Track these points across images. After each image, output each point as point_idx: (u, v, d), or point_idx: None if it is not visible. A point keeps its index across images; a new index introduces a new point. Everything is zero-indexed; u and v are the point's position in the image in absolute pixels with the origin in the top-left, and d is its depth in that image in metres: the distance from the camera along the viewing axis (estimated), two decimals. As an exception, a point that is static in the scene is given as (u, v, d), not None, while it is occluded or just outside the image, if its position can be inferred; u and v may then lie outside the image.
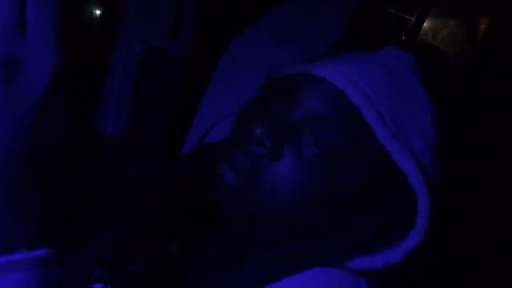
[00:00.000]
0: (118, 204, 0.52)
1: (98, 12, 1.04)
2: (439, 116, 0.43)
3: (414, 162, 0.40)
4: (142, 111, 0.89)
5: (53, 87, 0.26)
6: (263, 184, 0.41)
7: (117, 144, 0.87)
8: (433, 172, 0.42)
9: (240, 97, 0.53)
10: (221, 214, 0.42)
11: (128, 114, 0.89)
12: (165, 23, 0.82)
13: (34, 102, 0.26)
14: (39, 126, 0.26)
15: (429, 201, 0.40)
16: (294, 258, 0.39)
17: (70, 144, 0.28)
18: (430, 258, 0.44)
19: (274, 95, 0.45)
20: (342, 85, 0.41)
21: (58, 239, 0.28)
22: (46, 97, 0.26)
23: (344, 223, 0.41)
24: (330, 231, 0.41)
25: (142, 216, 0.49)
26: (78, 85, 0.29)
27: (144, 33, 0.83)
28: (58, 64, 0.26)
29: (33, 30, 0.26)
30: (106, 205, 0.53)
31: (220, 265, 0.40)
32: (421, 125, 0.42)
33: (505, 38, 1.34)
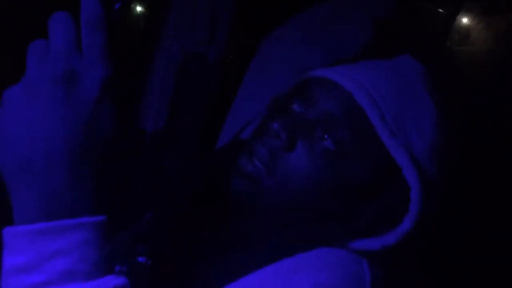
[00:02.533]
0: (158, 190, 0.59)
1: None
2: (441, 120, 0.48)
3: (407, 157, 0.45)
4: (180, 110, 0.95)
5: (103, 91, 0.33)
6: (278, 173, 0.46)
7: (157, 139, 0.95)
8: (428, 167, 0.47)
9: (271, 96, 0.59)
10: (240, 199, 0.47)
11: (167, 112, 0.95)
12: (201, 30, 0.88)
13: (88, 104, 0.33)
14: (93, 123, 0.33)
15: (421, 190, 0.45)
16: (303, 240, 0.45)
17: (118, 136, 0.35)
18: (423, 246, 0.48)
19: (294, 95, 0.50)
20: (351, 88, 0.46)
21: (111, 214, 0.35)
22: (98, 100, 0.33)
23: (348, 210, 0.46)
24: (336, 216, 0.46)
25: (177, 201, 0.56)
26: (124, 89, 0.36)
27: (183, 40, 0.90)
28: (107, 73, 0.34)
29: (86, 48, 0.33)
30: (149, 191, 0.60)
31: (239, 245, 0.46)
32: (421, 126, 0.47)
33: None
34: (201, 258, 0.48)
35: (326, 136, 0.46)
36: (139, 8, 1.21)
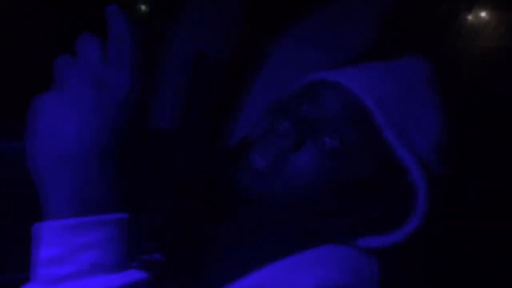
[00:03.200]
0: (168, 188, 0.61)
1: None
2: (444, 120, 0.49)
3: (414, 158, 0.46)
4: (191, 109, 0.97)
5: (128, 96, 0.37)
6: (285, 170, 0.48)
7: (167, 138, 0.96)
8: (433, 166, 0.48)
9: (278, 95, 0.60)
10: (248, 194, 0.49)
11: (180, 110, 0.97)
12: (212, 31, 0.90)
13: (116, 105, 0.37)
14: (120, 123, 0.37)
15: (428, 190, 0.46)
16: (310, 234, 0.46)
17: (140, 135, 0.39)
18: (430, 244, 0.50)
19: (301, 96, 0.52)
20: (357, 91, 0.48)
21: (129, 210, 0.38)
22: (124, 103, 0.37)
23: (354, 207, 0.48)
24: (341, 212, 0.48)
25: (187, 197, 0.58)
26: (144, 93, 0.39)
27: (194, 41, 0.92)
28: (131, 80, 0.38)
29: (113, 60, 0.38)
30: (158, 189, 0.62)
31: (246, 239, 0.48)
32: (426, 127, 0.48)
33: None
34: (209, 254, 0.50)
35: (332, 137, 0.47)
36: (142, 7, 1.23)
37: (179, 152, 0.93)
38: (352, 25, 0.84)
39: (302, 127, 0.48)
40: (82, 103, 0.36)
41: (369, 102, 0.47)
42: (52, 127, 0.36)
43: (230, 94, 0.98)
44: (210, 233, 0.52)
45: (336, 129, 0.47)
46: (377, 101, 0.47)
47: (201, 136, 0.98)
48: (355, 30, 0.84)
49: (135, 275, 0.35)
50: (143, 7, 1.22)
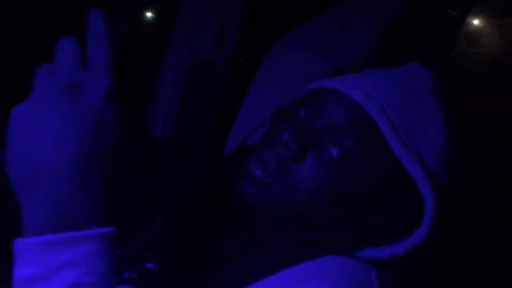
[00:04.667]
0: (167, 195, 0.59)
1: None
2: (450, 128, 0.48)
3: (422, 169, 0.45)
4: (188, 115, 0.96)
5: (107, 100, 0.35)
6: (286, 181, 0.46)
7: (166, 144, 0.96)
8: (441, 178, 0.46)
9: (278, 103, 0.59)
10: (249, 205, 0.48)
11: (176, 117, 0.96)
12: (210, 37, 0.89)
13: (93, 112, 0.35)
14: (98, 130, 0.35)
15: (435, 204, 0.44)
16: (311, 245, 0.45)
17: (125, 141, 0.37)
18: (433, 255, 0.48)
19: (302, 105, 0.51)
20: (360, 99, 0.46)
21: (120, 221, 0.36)
22: (102, 108, 0.35)
23: (358, 218, 0.46)
24: (344, 223, 0.46)
25: (186, 206, 0.56)
26: (127, 95, 0.38)
27: (192, 46, 0.91)
28: (110, 83, 0.36)
29: (91, 62, 0.36)
30: (158, 196, 0.61)
31: (247, 250, 0.46)
32: (432, 136, 0.47)
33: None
34: (209, 264, 0.49)
35: (335, 146, 0.46)
36: (149, 14, 1.23)
37: (176, 159, 0.92)
38: (355, 31, 0.83)
39: (303, 136, 0.47)
40: (56, 111, 0.34)
41: (374, 111, 0.45)
42: (25, 138, 0.34)
43: (229, 101, 0.97)
44: (209, 243, 0.51)
45: (339, 139, 0.46)
46: (382, 110, 0.46)
47: (199, 142, 0.97)
48: (357, 36, 0.83)
49: None
50: (149, 14, 1.21)
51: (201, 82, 0.95)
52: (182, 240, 0.54)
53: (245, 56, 1.06)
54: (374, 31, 0.85)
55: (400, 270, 0.47)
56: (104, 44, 0.36)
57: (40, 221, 0.33)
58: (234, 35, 0.90)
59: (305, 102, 0.51)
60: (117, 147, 0.36)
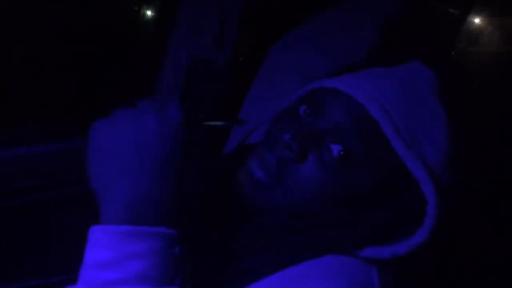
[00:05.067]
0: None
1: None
2: (452, 128, 0.47)
3: (425, 170, 0.44)
4: (190, 114, 0.96)
5: (182, 120, 0.44)
6: (287, 181, 0.46)
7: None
8: (443, 179, 0.46)
9: (279, 103, 0.59)
10: (250, 204, 0.48)
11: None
12: (209, 36, 0.89)
13: (172, 126, 0.42)
14: (175, 143, 0.42)
15: (438, 204, 0.44)
16: (312, 245, 0.45)
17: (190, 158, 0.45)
18: (434, 255, 0.48)
19: (303, 105, 0.50)
20: (363, 100, 0.46)
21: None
22: (179, 125, 0.43)
23: (359, 218, 0.46)
24: (345, 223, 0.46)
25: (186, 206, 0.56)
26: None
27: (191, 45, 0.91)
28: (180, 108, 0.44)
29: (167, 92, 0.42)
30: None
31: (248, 249, 0.46)
32: (434, 136, 0.46)
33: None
34: (208, 263, 0.49)
35: (337, 147, 0.46)
36: (148, 13, 1.23)
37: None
38: (355, 31, 0.83)
39: (304, 137, 0.47)
40: (150, 121, 0.41)
41: (376, 112, 0.45)
42: (119, 139, 0.40)
43: (228, 100, 0.97)
44: (209, 244, 0.51)
45: (340, 139, 0.46)
46: (384, 110, 0.45)
47: (199, 142, 0.97)
48: (357, 35, 0.83)
49: None
50: (148, 13, 1.21)
51: (201, 81, 0.94)
52: (182, 240, 0.54)
53: (245, 55, 1.06)
54: (374, 30, 0.84)
55: (401, 270, 0.47)
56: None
57: (118, 213, 0.38)
58: (234, 34, 0.89)
59: (306, 102, 0.51)
60: (184, 161, 0.42)
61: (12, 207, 0.78)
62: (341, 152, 0.45)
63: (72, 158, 0.83)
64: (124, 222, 0.37)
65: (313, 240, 0.45)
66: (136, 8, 1.21)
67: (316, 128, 0.47)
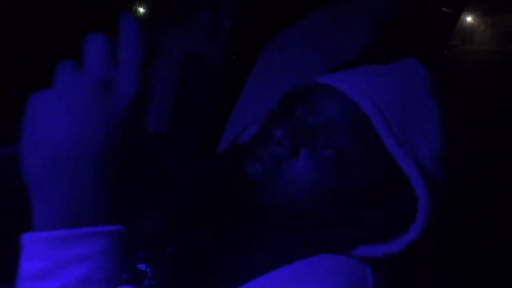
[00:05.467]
0: (159, 195, 0.59)
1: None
2: (446, 125, 0.47)
3: (416, 167, 0.44)
4: (181, 113, 0.95)
5: (133, 102, 0.35)
6: (281, 179, 0.46)
7: (157, 141, 0.94)
8: (435, 176, 0.46)
9: (272, 101, 0.59)
10: (244, 203, 0.47)
11: (168, 114, 0.95)
12: (202, 31, 0.88)
13: (121, 111, 0.35)
14: (120, 131, 0.35)
15: (429, 201, 0.44)
16: (306, 245, 0.44)
17: (139, 143, 0.38)
18: (427, 253, 0.48)
19: (296, 102, 0.50)
20: (355, 97, 0.46)
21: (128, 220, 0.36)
22: (130, 109, 0.35)
23: (351, 217, 0.46)
24: (338, 222, 0.46)
25: (179, 206, 0.56)
26: (148, 93, 0.38)
27: (184, 42, 0.90)
28: (138, 86, 0.36)
29: (122, 62, 0.36)
30: (150, 196, 0.60)
31: (242, 249, 0.46)
32: (427, 133, 0.46)
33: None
34: (203, 263, 0.48)
35: (329, 144, 0.46)
36: (140, 10, 1.21)
37: (168, 157, 0.91)
38: (349, 29, 0.83)
39: (297, 133, 0.47)
40: (83, 106, 0.33)
41: (368, 109, 0.45)
42: (45, 131, 0.33)
43: (222, 98, 0.96)
44: (203, 243, 0.50)
45: (333, 136, 0.46)
46: (377, 107, 0.45)
47: (192, 141, 0.96)
48: (352, 33, 0.82)
49: None
50: (141, 10, 1.20)
51: (194, 78, 0.94)
52: (174, 239, 0.53)
53: (239, 54, 1.06)
54: (368, 28, 0.84)
55: (394, 268, 0.46)
56: (135, 47, 0.36)
57: (51, 216, 0.33)
58: (227, 30, 0.88)
59: (300, 99, 0.50)
60: (133, 148, 0.36)
61: (12, 207, 0.77)
62: (334, 150, 0.45)
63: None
64: (58, 227, 0.33)
65: (307, 240, 0.45)
66: (128, 5, 1.20)
67: (308, 125, 0.47)
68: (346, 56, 0.81)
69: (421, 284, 0.57)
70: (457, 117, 0.50)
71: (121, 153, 0.35)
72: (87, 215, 0.34)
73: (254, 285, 0.42)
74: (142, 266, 0.52)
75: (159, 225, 0.55)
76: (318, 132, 0.46)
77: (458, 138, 0.49)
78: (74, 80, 0.34)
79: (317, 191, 0.46)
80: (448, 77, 0.54)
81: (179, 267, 0.50)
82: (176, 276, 0.50)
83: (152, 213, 0.57)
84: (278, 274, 0.43)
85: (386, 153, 0.45)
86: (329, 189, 0.46)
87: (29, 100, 0.34)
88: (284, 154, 0.46)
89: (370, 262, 0.45)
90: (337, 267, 0.44)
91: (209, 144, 0.89)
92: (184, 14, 0.88)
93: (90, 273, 0.33)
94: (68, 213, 0.33)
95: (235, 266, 0.45)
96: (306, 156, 0.46)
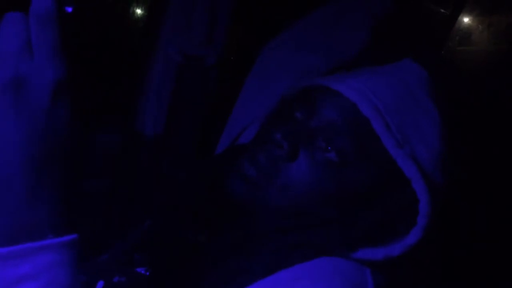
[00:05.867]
0: (156, 196, 0.58)
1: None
2: (445, 127, 0.47)
3: (416, 169, 0.44)
4: (178, 113, 0.95)
5: (55, 95, 0.30)
6: (278, 180, 0.46)
7: (154, 142, 0.94)
8: (435, 177, 0.46)
9: (271, 102, 0.58)
10: (241, 204, 0.47)
11: (165, 115, 0.95)
12: (199, 31, 0.88)
13: (40, 110, 0.30)
14: (47, 130, 0.30)
15: (429, 203, 0.44)
16: (304, 246, 0.44)
17: (81, 143, 0.33)
18: (428, 255, 0.48)
19: (295, 104, 0.50)
20: (354, 99, 0.45)
21: (84, 227, 0.33)
22: (50, 105, 0.30)
23: (350, 218, 0.45)
24: (337, 224, 0.45)
25: (176, 207, 0.55)
26: (82, 91, 0.32)
27: (180, 41, 0.90)
28: (58, 75, 0.31)
29: (37, 49, 0.30)
30: (146, 197, 0.59)
31: (239, 250, 0.45)
32: (426, 135, 0.46)
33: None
34: (199, 265, 0.48)
35: (328, 146, 0.45)
36: (137, 10, 1.21)
37: (165, 159, 0.90)
38: (347, 29, 0.83)
39: (296, 135, 0.46)
40: None
41: (368, 111, 0.45)
42: None
43: (219, 98, 0.96)
44: (200, 244, 0.50)
45: (332, 138, 0.45)
46: (376, 109, 0.45)
47: (189, 142, 0.96)
48: (349, 33, 0.82)
49: None
50: (138, 11, 1.19)
51: (191, 78, 0.93)
52: (172, 242, 0.53)
53: (237, 55, 1.05)
54: (366, 28, 0.84)
55: (394, 270, 0.46)
56: (50, 27, 0.30)
57: None
58: (224, 30, 0.88)
59: (299, 101, 0.50)
60: (75, 148, 0.32)
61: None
62: (333, 152, 0.45)
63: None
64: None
65: (306, 241, 0.44)
66: (125, 6, 1.20)
67: (307, 127, 0.47)
68: (344, 56, 0.81)
69: (421, 285, 0.57)
70: (455, 117, 0.50)
71: (56, 154, 0.31)
72: (29, 230, 0.30)
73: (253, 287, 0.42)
74: (140, 269, 0.52)
75: (156, 226, 0.55)
76: (317, 134, 0.46)
77: (457, 138, 0.49)
78: None
79: (315, 193, 0.45)
80: (446, 78, 0.54)
81: (177, 269, 0.50)
82: (175, 278, 0.49)
83: (149, 215, 0.56)
84: (277, 277, 0.42)
85: (386, 154, 0.45)
86: (327, 191, 0.45)
87: None
88: (283, 155, 0.46)
89: (370, 266, 0.45)
90: (337, 269, 0.43)
91: (207, 145, 0.88)
92: (181, 15, 0.88)
93: None
94: (6, 229, 0.29)
95: (233, 267, 0.45)
96: (305, 158, 0.46)
